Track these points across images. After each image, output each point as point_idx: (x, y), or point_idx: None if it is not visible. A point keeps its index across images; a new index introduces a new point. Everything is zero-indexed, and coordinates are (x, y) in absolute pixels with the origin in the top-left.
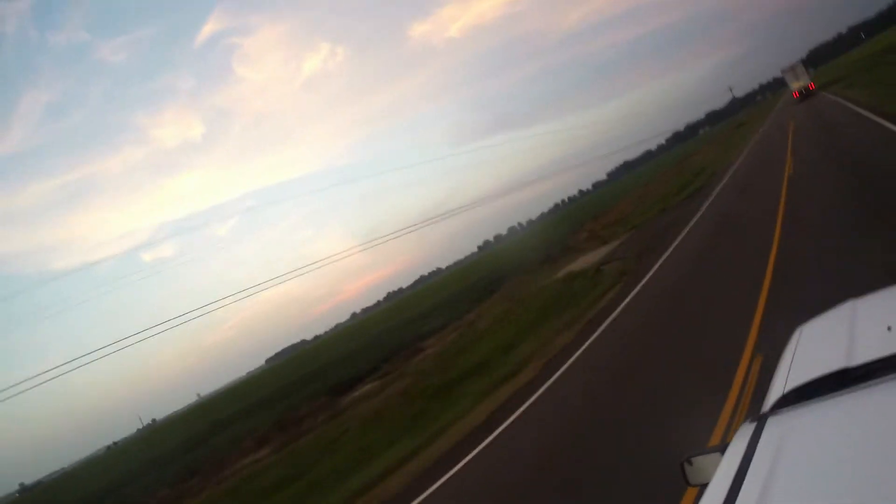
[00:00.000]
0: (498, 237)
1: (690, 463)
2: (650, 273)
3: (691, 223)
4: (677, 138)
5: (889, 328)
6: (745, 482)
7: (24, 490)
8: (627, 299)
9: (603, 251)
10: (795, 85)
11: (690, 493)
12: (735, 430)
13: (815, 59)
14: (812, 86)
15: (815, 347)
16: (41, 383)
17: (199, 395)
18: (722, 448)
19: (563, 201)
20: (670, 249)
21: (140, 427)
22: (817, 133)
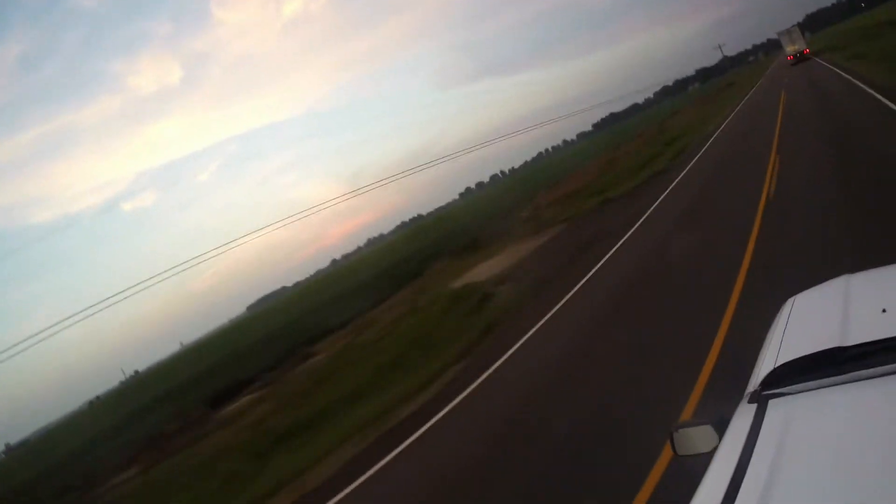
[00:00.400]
0: (480, 184)
1: (678, 433)
2: (521, 340)
3: (626, 237)
4: (666, 93)
5: (884, 310)
6: (750, 466)
7: (10, 450)
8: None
9: (523, 251)
10: (790, 48)
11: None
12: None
13: (811, 24)
14: (806, 51)
15: (806, 321)
16: (26, 347)
17: (181, 343)
18: (713, 422)
19: (546, 150)
20: (578, 286)
21: (123, 379)
22: (810, 101)
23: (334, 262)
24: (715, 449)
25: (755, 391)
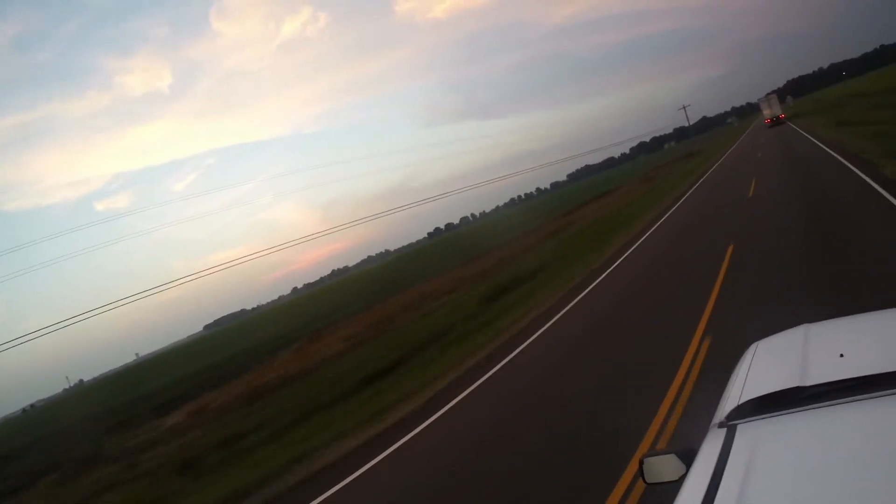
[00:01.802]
0: (449, 226)
1: (645, 463)
2: None
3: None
4: (642, 148)
5: (841, 355)
6: (721, 487)
7: None
8: None
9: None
10: (768, 112)
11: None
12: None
13: (792, 90)
14: (782, 116)
15: (768, 364)
16: None
17: (137, 354)
18: (678, 451)
19: (519, 197)
20: None
21: (67, 387)
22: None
23: (295, 290)
24: (682, 476)
25: (722, 421)
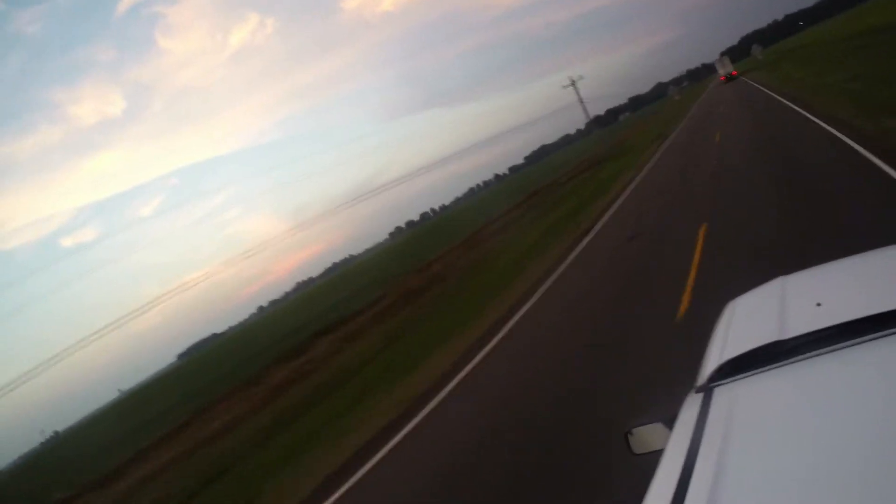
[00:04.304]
0: (410, 223)
1: (633, 434)
2: None
3: None
4: (598, 122)
5: (818, 304)
6: (700, 451)
7: None
8: None
9: None
10: (723, 71)
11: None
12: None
13: (746, 45)
14: (734, 73)
15: (746, 322)
16: None
17: (120, 390)
18: (664, 419)
19: (477, 186)
20: None
21: (43, 441)
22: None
23: (261, 308)
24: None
25: (699, 386)
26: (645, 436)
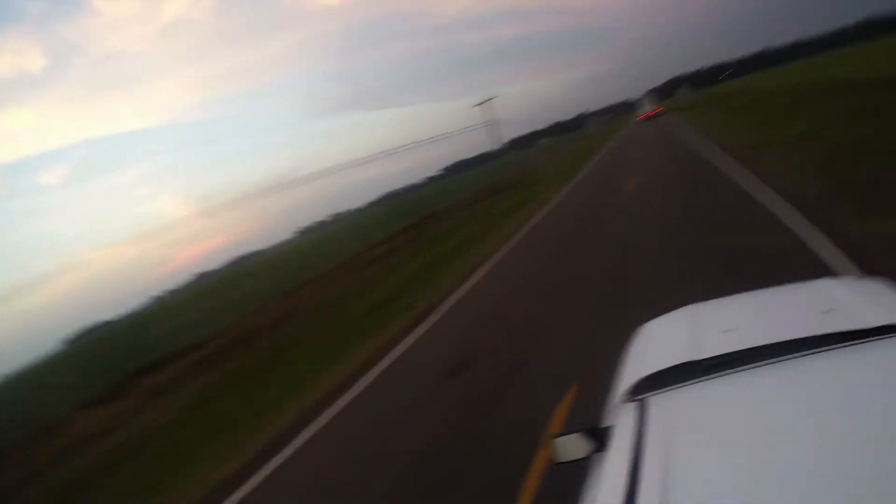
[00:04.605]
0: (322, 223)
1: (556, 443)
2: None
3: None
4: (519, 144)
5: (728, 330)
6: (645, 458)
7: None
8: None
9: None
10: (646, 109)
11: None
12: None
13: (672, 87)
14: (659, 109)
15: (660, 343)
16: None
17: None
18: (584, 430)
19: (393, 191)
20: None
21: None
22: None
23: (157, 298)
24: (591, 454)
25: (627, 396)
26: (568, 445)
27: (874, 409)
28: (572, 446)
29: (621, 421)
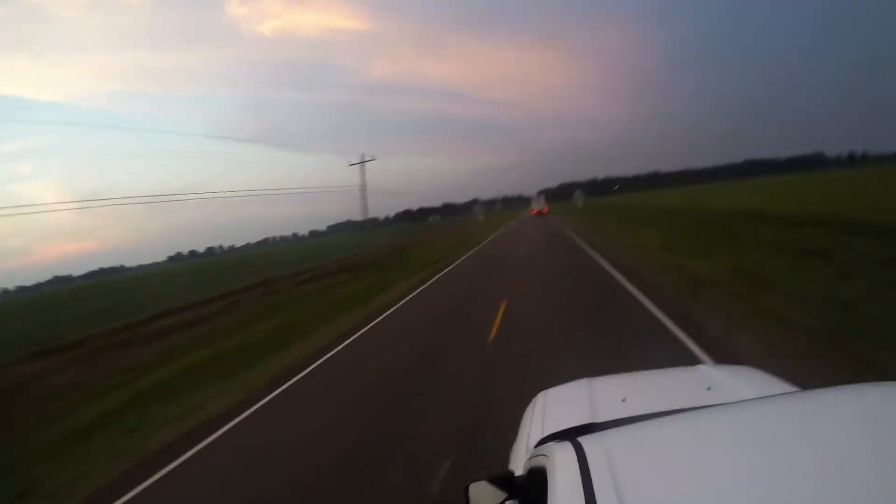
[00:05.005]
0: (192, 252)
1: (471, 489)
2: None
3: None
4: (407, 216)
5: (623, 399)
6: (597, 494)
7: None
8: None
9: None
10: (536, 206)
11: None
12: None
13: (568, 190)
14: (546, 209)
15: (560, 407)
16: None
17: None
18: (495, 478)
19: (273, 238)
20: None
21: None
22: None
23: (6, 291)
24: (503, 501)
25: (569, 439)
26: (481, 492)
27: (786, 451)
28: (486, 495)
29: (557, 464)
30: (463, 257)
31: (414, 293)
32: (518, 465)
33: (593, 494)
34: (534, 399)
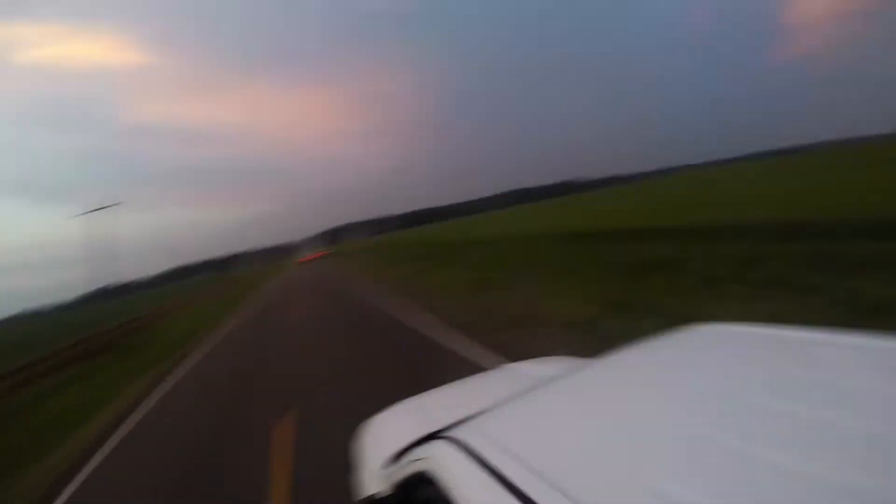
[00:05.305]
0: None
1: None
2: None
3: None
4: (177, 273)
5: (455, 405)
6: (507, 473)
7: None
8: None
9: None
10: (307, 253)
11: None
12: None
13: (340, 233)
14: (322, 253)
15: (394, 427)
16: None
17: None
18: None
19: (23, 311)
20: None
21: None
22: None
23: None
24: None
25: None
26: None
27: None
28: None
29: (446, 458)
30: (224, 330)
31: (135, 412)
32: (370, 489)
33: (501, 472)
34: (358, 430)
